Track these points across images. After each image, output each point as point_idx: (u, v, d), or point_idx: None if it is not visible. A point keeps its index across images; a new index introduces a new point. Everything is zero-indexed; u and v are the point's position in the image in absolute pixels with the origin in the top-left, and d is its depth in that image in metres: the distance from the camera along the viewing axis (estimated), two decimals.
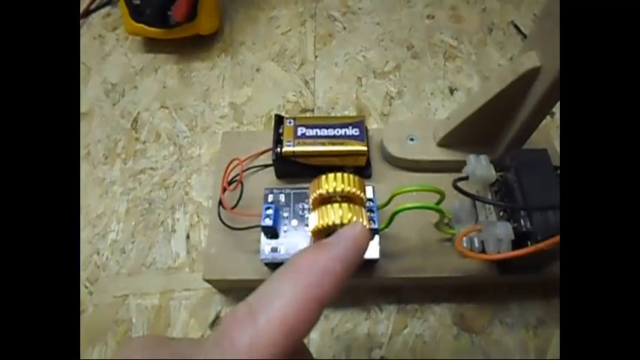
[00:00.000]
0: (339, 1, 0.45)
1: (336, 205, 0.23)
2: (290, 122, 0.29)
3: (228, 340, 0.13)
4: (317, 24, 0.43)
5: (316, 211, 0.23)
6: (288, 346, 0.13)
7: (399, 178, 0.31)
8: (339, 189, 0.23)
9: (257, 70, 0.40)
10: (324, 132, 0.29)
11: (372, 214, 0.25)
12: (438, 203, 0.25)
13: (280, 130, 0.29)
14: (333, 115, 0.37)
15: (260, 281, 0.28)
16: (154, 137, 0.36)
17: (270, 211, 0.25)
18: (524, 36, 0.43)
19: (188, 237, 0.32)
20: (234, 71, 0.40)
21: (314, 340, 0.28)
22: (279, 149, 0.28)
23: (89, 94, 0.39)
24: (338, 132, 0.29)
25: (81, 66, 0.40)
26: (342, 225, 0.22)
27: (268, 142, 0.29)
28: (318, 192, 0.23)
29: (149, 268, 0.31)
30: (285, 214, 0.26)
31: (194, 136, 0.36)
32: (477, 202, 0.27)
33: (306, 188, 0.25)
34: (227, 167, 0.28)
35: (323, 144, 0.28)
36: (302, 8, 0.44)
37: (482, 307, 0.29)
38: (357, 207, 0.23)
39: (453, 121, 0.29)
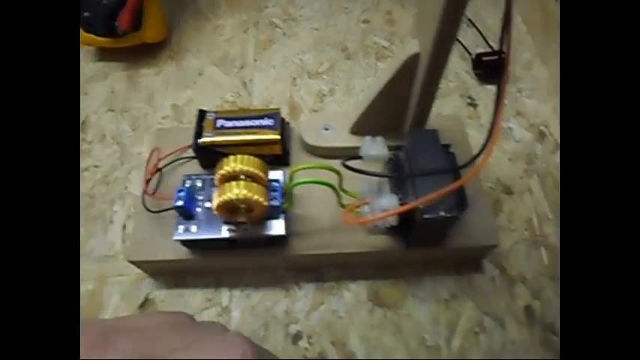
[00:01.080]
0: (281, 9, 0.48)
1: (234, 182, 0.25)
2: (211, 116, 0.31)
3: None
4: (259, 31, 0.46)
5: (217, 190, 0.25)
6: None
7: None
8: (237, 168, 0.25)
9: (199, 74, 0.43)
10: (241, 123, 0.31)
11: (274, 193, 0.27)
12: (340, 184, 0.27)
13: (202, 124, 0.31)
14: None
15: (178, 261, 0.29)
16: (100, 138, 0.39)
17: (182, 194, 0.27)
18: (474, 25, 0.45)
19: (124, 227, 0.34)
20: (178, 76, 0.43)
21: (235, 317, 0.30)
22: (198, 141, 0.31)
23: None
24: (254, 123, 0.31)
25: None
26: (239, 201, 0.24)
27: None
28: (220, 171, 0.25)
29: (87, 257, 0.33)
30: (201, 197, 0.28)
31: (136, 136, 0.39)
32: (383, 182, 0.29)
33: None
34: (149, 157, 0.30)
35: (239, 134, 0.31)
36: (246, 17, 0.47)
37: (397, 284, 0.31)
38: (256, 185, 0.25)
39: (358, 109, 0.31)
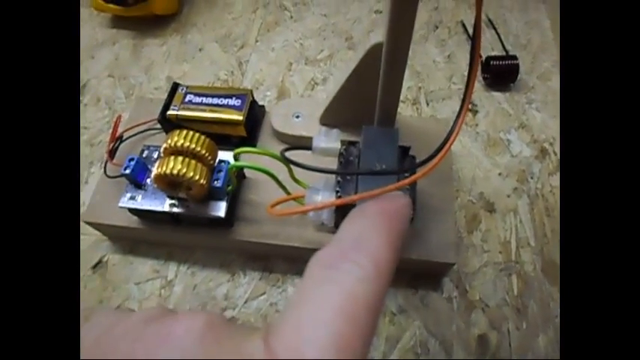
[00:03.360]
0: None
1: (174, 157, 0.25)
2: (182, 89, 0.31)
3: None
4: (267, 12, 0.45)
5: (160, 160, 0.25)
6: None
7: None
8: (180, 143, 0.25)
9: (200, 50, 0.43)
10: (209, 100, 0.31)
11: (219, 174, 0.26)
12: (291, 174, 0.26)
13: (172, 97, 0.31)
14: None
15: (128, 229, 0.29)
16: (95, 101, 0.40)
17: (132, 162, 0.27)
18: (470, 37, 0.42)
19: None
20: (180, 49, 0.43)
21: (175, 292, 0.30)
22: (165, 111, 0.31)
23: None
24: (221, 101, 0.30)
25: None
26: (172, 176, 0.24)
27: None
28: (165, 144, 0.25)
29: None
30: (151, 168, 0.28)
31: (128, 103, 0.39)
32: (331, 177, 0.27)
33: None
34: (114, 123, 0.31)
35: (204, 110, 0.30)
36: None
37: None
38: (196, 163, 0.25)
39: (327, 100, 0.30)
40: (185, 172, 0.24)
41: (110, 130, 0.31)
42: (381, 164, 0.24)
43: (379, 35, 0.42)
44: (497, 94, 0.38)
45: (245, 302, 0.29)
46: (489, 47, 0.41)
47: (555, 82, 0.39)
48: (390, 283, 0.14)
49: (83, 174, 0.36)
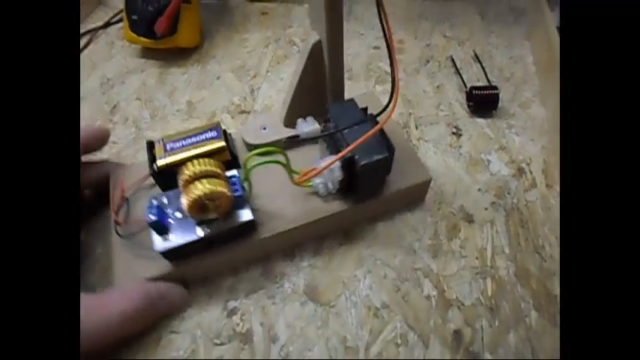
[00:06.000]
0: (304, 29, 0.53)
1: (197, 181, 0.28)
2: (159, 142, 0.33)
3: None
4: (277, 47, 0.51)
5: (183, 194, 0.28)
6: None
7: None
8: (197, 170, 0.28)
9: (217, 78, 0.48)
10: (188, 141, 0.32)
11: (235, 186, 0.30)
12: (288, 164, 0.30)
13: (153, 152, 0.32)
14: None
15: (165, 277, 0.31)
16: (123, 120, 0.45)
17: (153, 210, 0.29)
18: (457, 70, 0.47)
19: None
20: (199, 77, 0.49)
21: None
22: (154, 166, 0.32)
23: (89, 84, 0.50)
24: (199, 137, 0.33)
25: (89, 63, 0.52)
26: (206, 196, 0.27)
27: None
28: (182, 177, 0.28)
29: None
30: (170, 210, 0.30)
31: (152, 123, 0.45)
32: (324, 153, 0.33)
33: None
34: (111, 191, 0.34)
35: (189, 150, 0.32)
36: (270, 33, 0.53)
37: (336, 282, 0.33)
38: (217, 180, 0.28)
39: (285, 104, 0.36)
40: (215, 189, 0.27)
41: (110, 199, 0.33)
42: (356, 120, 0.30)
43: (377, 66, 0.47)
44: (480, 120, 0.42)
45: (246, 296, 0.33)
46: (475, 79, 0.46)
47: (535, 110, 0.43)
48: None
49: None
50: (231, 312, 0.32)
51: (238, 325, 0.31)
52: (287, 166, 0.30)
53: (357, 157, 0.28)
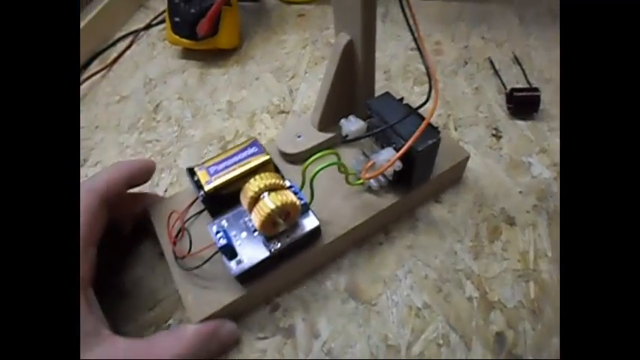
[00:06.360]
0: None
1: (265, 198, 0.28)
2: (200, 168, 0.32)
3: None
4: (315, 48, 0.52)
5: (253, 212, 0.28)
6: None
7: None
8: (262, 185, 0.28)
9: (256, 79, 0.49)
10: (231, 161, 0.32)
11: (297, 194, 0.30)
12: (339, 169, 0.31)
13: (196, 178, 0.32)
14: None
15: (239, 300, 0.31)
16: (166, 119, 0.47)
17: (220, 234, 0.28)
18: (496, 71, 0.47)
19: (166, 191, 0.41)
20: (239, 78, 0.50)
21: None
22: (202, 192, 0.31)
23: (132, 84, 0.51)
24: (241, 156, 0.33)
25: (131, 63, 0.54)
26: (279, 209, 0.27)
27: (191, 195, 0.33)
28: (247, 198, 0.28)
29: None
30: (233, 233, 0.30)
31: (194, 121, 0.46)
32: (372, 147, 0.34)
33: (240, 206, 0.30)
34: (168, 223, 0.32)
35: (235, 169, 0.32)
36: (308, 35, 0.53)
37: (377, 281, 0.33)
38: (282, 191, 0.28)
39: (318, 108, 0.36)
40: (286, 200, 0.27)
41: (168, 231, 0.32)
42: (401, 113, 0.31)
43: (415, 68, 0.48)
44: (520, 122, 0.42)
45: (289, 292, 0.34)
46: (514, 81, 0.45)
47: None
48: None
49: (154, 179, 0.42)
50: (274, 307, 0.33)
51: (281, 320, 0.32)
52: (345, 167, 0.31)
53: (405, 139, 0.29)
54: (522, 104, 0.41)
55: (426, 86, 0.46)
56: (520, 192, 0.38)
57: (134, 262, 0.35)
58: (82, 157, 0.45)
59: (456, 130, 0.42)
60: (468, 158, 0.36)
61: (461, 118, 0.43)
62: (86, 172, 0.43)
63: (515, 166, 0.39)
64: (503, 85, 0.44)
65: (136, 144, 0.45)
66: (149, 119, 0.47)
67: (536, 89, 0.42)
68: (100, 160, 0.44)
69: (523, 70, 0.45)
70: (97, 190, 0.29)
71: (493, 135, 0.41)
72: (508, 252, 0.34)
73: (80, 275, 0.26)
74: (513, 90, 0.42)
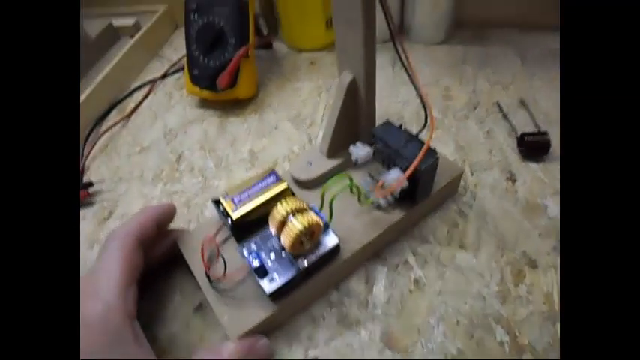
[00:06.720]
0: None
1: (292, 220, 0.31)
2: (225, 198, 0.35)
3: None
4: (329, 95, 0.54)
5: (282, 234, 0.31)
6: None
7: (318, 192, 0.36)
8: (288, 209, 0.31)
9: (275, 127, 0.51)
10: (253, 190, 0.36)
11: (318, 215, 0.33)
12: (351, 190, 0.34)
13: (222, 208, 0.35)
14: None
15: (272, 316, 0.34)
16: (189, 170, 0.48)
17: (253, 254, 0.32)
18: (505, 115, 0.49)
19: None
20: (258, 126, 0.52)
21: None
22: (229, 220, 0.34)
23: (152, 134, 0.53)
24: (262, 185, 0.36)
25: (150, 113, 0.55)
26: (306, 229, 0.30)
27: (215, 225, 0.37)
28: (274, 221, 0.32)
29: None
30: (262, 254, 0.33)
31: (217, 172, 0.48)
32: (377, 169, 0.38)
33: (265, 230, 0.34)
34: (201, 248, 0.34)
35: (257, 197, 0.35)
36: (321, 82, 0.56)
37: (410, 329, 0.35)
38: (306, 212, 0.32)
39: (326, 137, 0.40)
40: (312, 220, 0.30)
41: (201, 256, 0.34)
42: (403, 138, 0.36)
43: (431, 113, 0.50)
44: (532, 165, 0.44)
45: (326, 343, 0.35)
46: (522, 123, 0.48)
47: None
48: None
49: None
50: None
51: None
52: (359, 188, 0.34)
53: (409, 160, 0.33)
54: (533, 149, 0.44)
55: (439, 132, 0.49)
56: (539, 234, 0.39)
57: (167, 318, 0.36)
58: (107, 210, 0.46)
59: (472, 174, 0.44)
60: (462, 174, 0.40)
61: (476, 163, 0.45)
62: (114, 224, 0.44)
63: (532, 208, 0.41)
64: (513, 128, 0.47)
65: (161, 195, 0.46)
66: (172, 170, 0.49)
67: (545, 133, 0.44)
68: (126, 212, 0.45)
69: (530, 114, 0.48)
70: (133, 234, 0.33)
71: (508, 179, 0.43)
72: (533, 294, 0.36)
73: (126, 310, 0.29)
74: (524, 135, 0.44)
